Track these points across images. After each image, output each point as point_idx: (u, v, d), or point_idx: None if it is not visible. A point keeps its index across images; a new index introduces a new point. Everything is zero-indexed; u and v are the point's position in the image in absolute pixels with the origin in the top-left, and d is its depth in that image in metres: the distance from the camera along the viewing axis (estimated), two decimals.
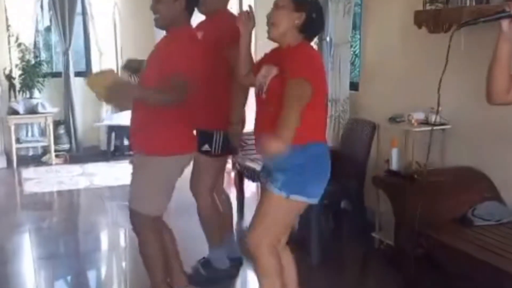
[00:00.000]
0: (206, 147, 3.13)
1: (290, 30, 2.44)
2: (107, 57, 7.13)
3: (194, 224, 3.45)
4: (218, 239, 3.36)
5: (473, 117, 3.39)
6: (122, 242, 4.39)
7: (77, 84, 7.00)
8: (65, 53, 6.90)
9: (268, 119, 2.36)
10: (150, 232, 2.79)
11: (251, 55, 2.74)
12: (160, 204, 2.78)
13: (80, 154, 6.97)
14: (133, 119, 2.78)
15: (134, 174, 2.81)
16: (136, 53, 7.06)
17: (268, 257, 2.44)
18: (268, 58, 2.58)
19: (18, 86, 6.59)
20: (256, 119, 2.56)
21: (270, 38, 2.50)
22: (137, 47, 7.09)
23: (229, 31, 2.84)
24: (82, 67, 7.28)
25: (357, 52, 5.01)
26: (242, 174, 4.64)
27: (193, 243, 3.71)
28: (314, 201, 2.51)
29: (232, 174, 5.07)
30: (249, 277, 3.46)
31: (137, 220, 2.79)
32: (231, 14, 3.17)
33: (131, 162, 2.97)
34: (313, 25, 2.49)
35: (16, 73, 6.58)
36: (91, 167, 6.48)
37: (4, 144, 6.51)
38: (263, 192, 2.57)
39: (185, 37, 2.70)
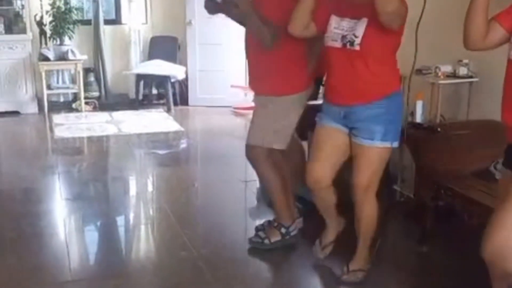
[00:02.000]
0: None
1: None
2: (136, 5, 7.13)
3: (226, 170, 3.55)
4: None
5: (501, 70, 3.31)
6: (150, 187, 4.51)
7: (107, 32, 7.07)
8: (95, 1, 6.92)
9: (358, 74, 2.50)
10: (269, 164, 3.02)
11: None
12: (287, 137, 3.00)
13: (109, 102, 7.08)
14: (253, 67, 3.02)
15: (260, 114, 2.98)
16: (164, 2, 7.11)
17: (375, 203, 2.70)
18: (339, 6, 2.57)
19: (48, 32, 6.69)
20: (336, 73, 2.60)
21: None
22: None
23: None
24: (111, 15, 7.31)
25: None
26: None
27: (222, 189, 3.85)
28: None
29: None
30: None
31: (256, 154, 3.00)
32: None
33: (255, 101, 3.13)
34: None
35: (47, 19, 6.66)
36: (119, 114, 6.60)
37: (36, 90, 6.66)
38: (355, 147, 2.64)
39: None
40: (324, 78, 2.96)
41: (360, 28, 2.47)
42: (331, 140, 2.69)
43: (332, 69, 2.61)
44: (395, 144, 2.63)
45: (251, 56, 3.01)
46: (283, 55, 2.84)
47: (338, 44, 2.53)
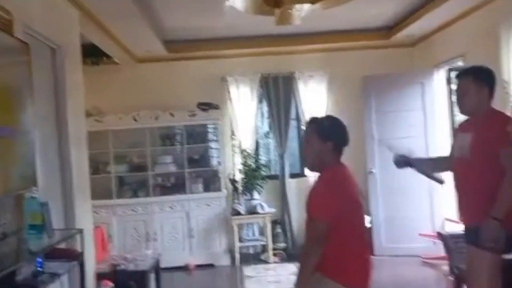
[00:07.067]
0: None
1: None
2: None
3: None
4: None
5: None
6: None
7: (292, 186, 7.43)
8: (281, 157, 7.42)
9: None
10: None
11: None
12: None
13: (295, 252, 7.22)
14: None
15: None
16: (348, 155, 7.34)
17: None
18: None
19: (240, 189, 7.24)
20: None
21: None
22: (349, 149, 7.37)
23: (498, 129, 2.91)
24: (296, 169, 7.72)
25: None
26: (460, 281, 4.31)
27: None
28: None
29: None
30: None
31: None
32: (496, 111, 3.14)
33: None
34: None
35: (239, 177, 7.25)
36: None
37: (228, 242, 7.09)
38: None
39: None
40: None
41: None
42: None
43: None
44: None
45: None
46: None
47: None
